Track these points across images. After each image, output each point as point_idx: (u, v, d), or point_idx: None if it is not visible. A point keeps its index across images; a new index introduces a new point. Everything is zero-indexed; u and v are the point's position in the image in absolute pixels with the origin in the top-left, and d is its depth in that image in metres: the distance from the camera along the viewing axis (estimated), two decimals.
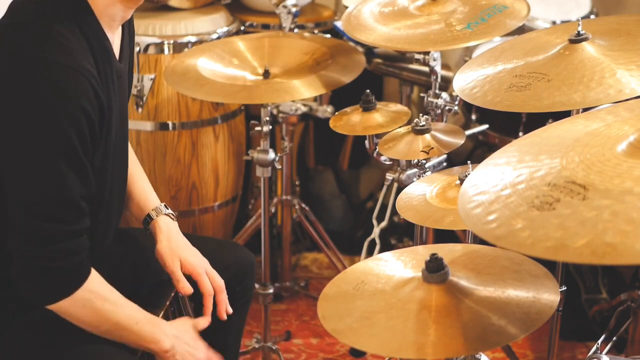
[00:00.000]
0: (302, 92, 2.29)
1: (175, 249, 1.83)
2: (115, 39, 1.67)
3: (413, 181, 1.95)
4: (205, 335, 1.87)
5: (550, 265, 1.45)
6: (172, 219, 1.89)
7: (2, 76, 1.51)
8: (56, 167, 1.50)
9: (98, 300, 1.60)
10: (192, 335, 1.76)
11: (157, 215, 1.87)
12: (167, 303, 1.82)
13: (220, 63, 2.44)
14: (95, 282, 1.61)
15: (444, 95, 2.30)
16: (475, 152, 3.10)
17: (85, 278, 1.58)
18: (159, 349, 1.68)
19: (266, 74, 2.40)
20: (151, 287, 1.89)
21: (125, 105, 1.79)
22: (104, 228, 1.74)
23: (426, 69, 2.35)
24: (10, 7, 1.60)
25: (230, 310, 1.85)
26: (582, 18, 2.13)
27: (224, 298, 1.83)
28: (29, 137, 1.49)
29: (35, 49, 1.50)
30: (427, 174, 2.03)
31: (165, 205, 1.91)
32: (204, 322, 1.81)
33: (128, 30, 1.78)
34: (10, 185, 1.52)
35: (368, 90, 2.16)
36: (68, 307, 1.58)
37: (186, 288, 1.79)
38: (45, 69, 1.49)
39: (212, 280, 1.83)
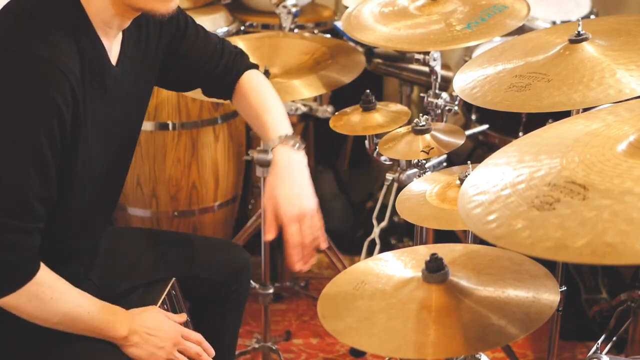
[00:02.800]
0: (302, 92, 2.29)
1: (277, 187, 1.67)
2: (113, 44, 1.64)
3: (413, 181, 1.95)
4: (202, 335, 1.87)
5: (550, 265, 1.45)
6: (293, 147, 1.74)
7: None
8: (17, 163, 1.47)
9: (46, 293, 1.56)
10: (156, 317, 1.72)
11: (276, 144, 1.74)
12: (160, 301, 1.82)
13: None
14: (43, 275, 1.56)
15: (444, 95, 2.30)
16: (475, 152, 3.10)
17: (33, 274, 1.54)
18: (116, 336, 1.66)
19: (266, 74, 2.40)
20: (146, 286, 1.89)
21: (130, 110, 1.75)
22: (85, 227, 1.72)
23: (426, 69, 2.35)
24: (4, 8, 1.58)
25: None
26: (582, 18, 2.13)
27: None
28: None
29: (16, 41, 1.48)
30: (427, 174, 2.03)
31: (290, 135, 1.77)
32: (179, 318, 1.79)
33: (146, 33, 1.74)
34: None
35: (368, 90, 2.16)
36: (14, 302, 1.54)
37: (267, 236, 1.66)
38: (20, 59, 1.47)
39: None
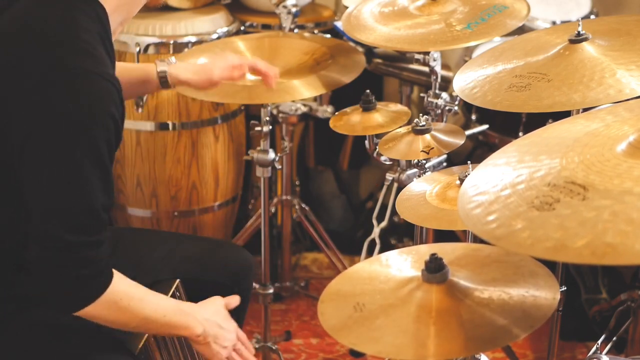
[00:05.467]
0: (302, 92, 2.29)
1: (207, 68, 2.06)
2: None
3: (413, 181, 1.95)
4: None
5: (550, 265, 1.45)
6: (175, 62, 2.02)
7: (29, 83, 1.48)
8: (84, 176, 1.48)
9: (123, 300, 1.59)
10: (223, 316, 1.76)
11: (166, 70, 2.00)
12: None
13: None
14: (119, 283, 1.59)
15: (444, 95, 2.30)
16: (475, 152, 3.10)
17: (108, 284, 1.56)
18: (191, 335, 1.69)
19: None
20: (149, 286, 1.88)
21: None
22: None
23: (426, 69, 2.35)
24: (30, 19, 1.54)
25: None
26: (582, 18, 2.13)
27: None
28: (59, 144, 1.47)
29: (66, 60, 1.48)
30: (427, 174, 2.03)
31: (160, 60, 2.02)
32: (235, 300, 1.83)
33: None
34: (34, 193, 1.49)
35: (368, 90, 2.16)
36: (93, 311, 1.56)
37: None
38: (76, 78, 1.47)
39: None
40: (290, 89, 2.29)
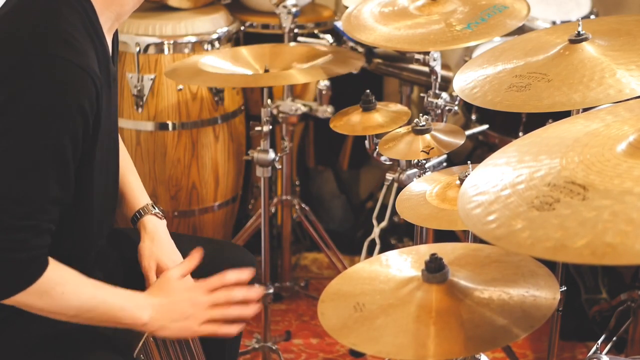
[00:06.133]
0: (298, 78, 2.33)
1: (156, 251, 1.82)
2: (109, 42, 1.65)
3: (413, 181, 1.95)
4: (204, 336, 1.86)
5: (550, 265, 1.45)
6: (160, 218, 1.88)
7: (5, 72, 1.47)
8: (37, 164, 1.46)
9: (56, 289, 1.53)
10: (169, 288, 1.67)
11: (144, 214, 1.86)
12: None
13: (222, 60, 2.48)
14: (52, 271, 1.53)
15: (444, 95, 2.30)
16: (475, 152, 3.10)
17: (41, 273, 1.51)
18: (136, 324, 1.61)
19: (266, 72, 2.42)
20: (147, 288, 1.88)
21: (117, 108, 1.78)
22: (97, 228, 1.72)
23: (426, 69, 2.35)
24: (15, 8, 1.56)
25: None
26: (582, 18, 2.13)
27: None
28: (18, 129, 1.45)
29: (43, 47, 1.47)
30: (427, 174, 2.03)
31: (152, 204, 1.89)
32: (189, 262, 1.74)
33: (116, 35, 1.77)
34: None
35: (368, 90, 2.16)
36: (25, 300, 1.51)
37: None
38: (51, 66, 1.46)
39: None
40: (288, 76, 2.36)
